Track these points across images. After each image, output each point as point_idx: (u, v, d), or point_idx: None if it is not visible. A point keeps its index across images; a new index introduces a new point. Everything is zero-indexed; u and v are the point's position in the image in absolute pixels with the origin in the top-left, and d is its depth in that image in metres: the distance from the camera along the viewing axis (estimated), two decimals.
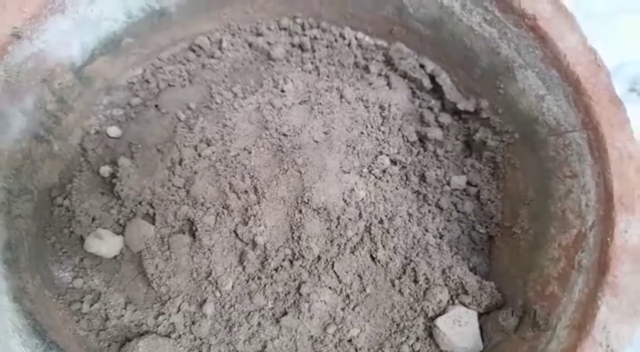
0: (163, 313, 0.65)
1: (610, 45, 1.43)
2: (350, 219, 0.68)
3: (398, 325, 0.65)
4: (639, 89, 1.31)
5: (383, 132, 0.76)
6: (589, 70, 0.61)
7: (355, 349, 0.63)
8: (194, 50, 0.83)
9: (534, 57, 0.66)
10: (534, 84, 0.67)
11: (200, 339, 0.64)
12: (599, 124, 0.58)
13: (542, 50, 0.65)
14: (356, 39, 0.83)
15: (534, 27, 0.65)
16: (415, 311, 0.65)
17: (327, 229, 0.67)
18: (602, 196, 0.57)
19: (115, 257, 0.69)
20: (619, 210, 0.54)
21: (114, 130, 0.77)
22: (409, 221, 0.70)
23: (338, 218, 0.68)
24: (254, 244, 0.66)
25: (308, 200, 0.67)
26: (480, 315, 0.64)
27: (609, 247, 0.53)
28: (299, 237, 0.66)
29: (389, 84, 0.81)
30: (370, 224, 0.69)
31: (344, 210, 0.68)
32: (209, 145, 0.73)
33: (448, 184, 0.75)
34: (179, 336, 0.64)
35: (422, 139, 0.78)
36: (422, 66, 0.80)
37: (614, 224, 0.54)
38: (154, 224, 0.70)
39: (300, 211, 0.67)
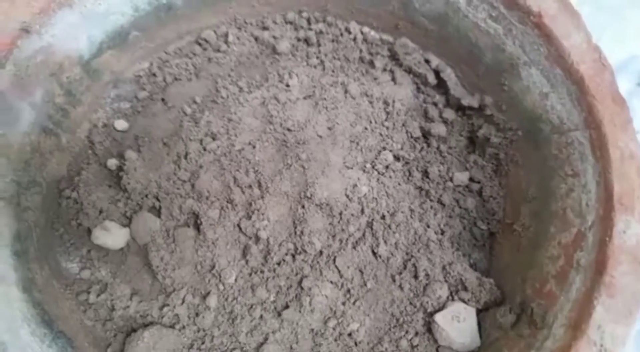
0: (168, 304, 0.67)
1: (620, 38, 1.42)
2: (352, 215, 0.69)
3: (397, 320, 0.66)
4: None
5: (387, 128, 0.76)
6: (592, 69, 0.61)
7: (355, 343, 0.65)
8: (200, 44, 0.83)
9: (538, 54, 0.66)
10: (538, 82, 0.67)
11: (204, 331, 0.65)
12: (601, 123, 0.58)
13: (547, 48, 0.64)
14: (362, 33, 0.83)
15: (539, 25, 0.64)
16: (415, 306, 0.66)
17: (330, 224, 0.68)
18: (602, 195, 0.57)
19: (121, 249, 0.71)
20: (618, 210, 0.54)
21: (121, 124, 0.78)
22: (411, 216, 0.71)
23: (340, 213, 0.68)
24: (257, 239, 0.67)
25: (311, 195, 0.68)
26: (479, 311, 0.65)
27: (607, 247, 0.53)
28: (302, 232, 0.67)
29: (393, 79, 0.81)
30: (372, 219, 0.69)
31: (347, 205, 0.69)
32: (214, 139, 0.74)
33: (451, 180, 0.75)
34: (183, 327, 0.65)
35: (426, 135, 0.78)
36: (427, 61, 0.80)
37: (613, 224, 0.54)
38: (159, 217, 0.71)
39: (303, 206, 0.68)
